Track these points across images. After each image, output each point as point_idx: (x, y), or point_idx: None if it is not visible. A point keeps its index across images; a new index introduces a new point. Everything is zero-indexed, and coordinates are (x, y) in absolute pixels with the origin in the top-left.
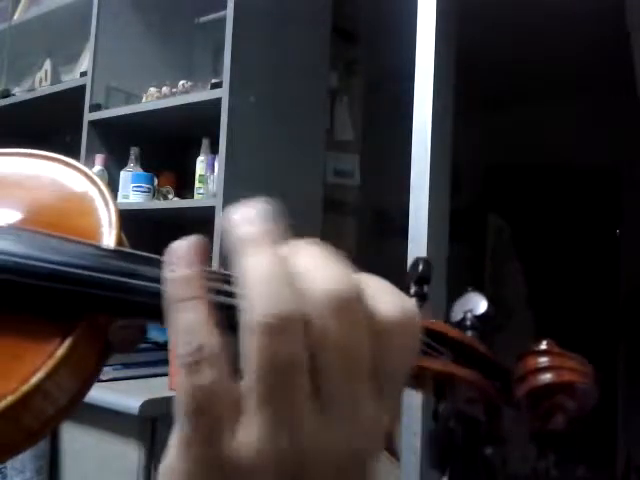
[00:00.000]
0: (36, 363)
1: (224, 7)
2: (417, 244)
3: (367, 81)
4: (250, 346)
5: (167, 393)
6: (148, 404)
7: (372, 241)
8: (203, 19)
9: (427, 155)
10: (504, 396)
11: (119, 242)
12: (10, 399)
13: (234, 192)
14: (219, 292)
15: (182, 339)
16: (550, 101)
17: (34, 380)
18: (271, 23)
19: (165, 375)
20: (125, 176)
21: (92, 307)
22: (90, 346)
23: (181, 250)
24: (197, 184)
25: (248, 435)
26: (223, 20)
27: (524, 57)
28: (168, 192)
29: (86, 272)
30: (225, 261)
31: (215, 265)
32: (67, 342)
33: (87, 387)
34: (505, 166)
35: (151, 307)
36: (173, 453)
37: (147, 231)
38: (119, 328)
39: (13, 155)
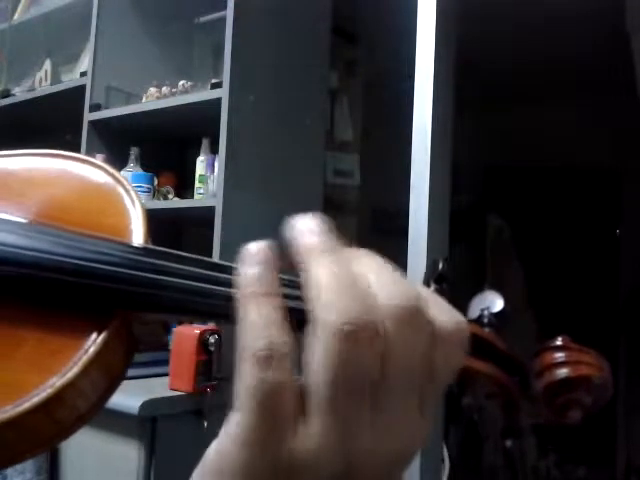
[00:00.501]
0: (72, 358)
1: (224, 7)
2: (417, 244)
3: (367, 81)
4: (324, 351)
5: (167, 393)
6: (148, 404)
7: (372, 241)
8: (203, 19)
9: (427, 155)
10: (522, 391)
11: (147, 236)
12: (47, 393)
13: (234, 192)
14: (285, 296)
15: (255, 334)
16: (550, 101)
17: (70, 375)
18: (271, 23)
19: (165, 375)
20: (125, 176)
21: (125, 304)
22: (120, 343)
23: (258, 249)
24: (197, 184)
25: (307, 434)
26: (223, 20)
27: (524, 57)
28: (168, 192)
29: (119, 269)
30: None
31: None
32: (101, 338)
33: (115, 385)
34: (505, 166)
35: (183, 304)
36: (228, 442)
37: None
38: (146, 326)
39: (41, 155)
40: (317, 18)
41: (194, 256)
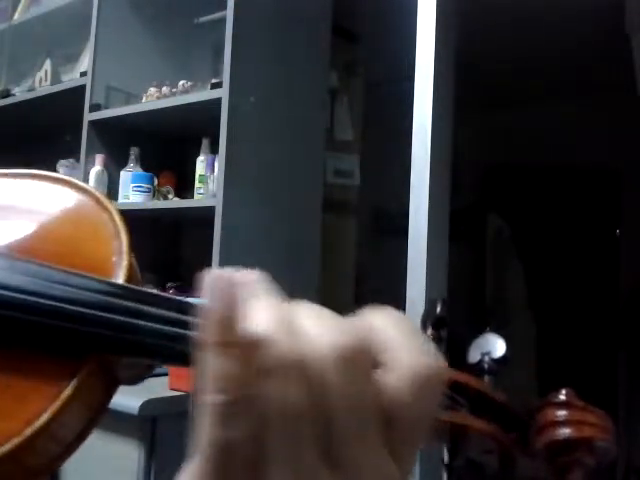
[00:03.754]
0: (41, 404)
1: (224, 7)
2: (417, 244)
3: (367, 81)
4: (266, 400)
5: (167, 393)
6: (148, 404)
7: (372, 241)
8: (203, 19)
9: (427, 155)
10: (521, 447)
11: (130, 270)
12: (14, 442)
13: (234, 192)
14: None
15: (215, 386)
16: (550, 101)
17: (39, 422)
18: (271, 23)
19: (165, 375)
20: (125, 176)
21: (98, 347)
22: (97, 384)
23: (221, 281)
24: (197, 184)
25: None
26: (223, 20)
27: (524, 57)
28: (168, 192)
29: (92, 311)
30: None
31: (215, 267)
32: (73, 383)
33: (94, 423)
34: (505, 166)
35: (159, 348)
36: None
37: (147, 231)
38: (126, 365)
39: (21, 177)
40: (317, 18)
41: (166, 295)
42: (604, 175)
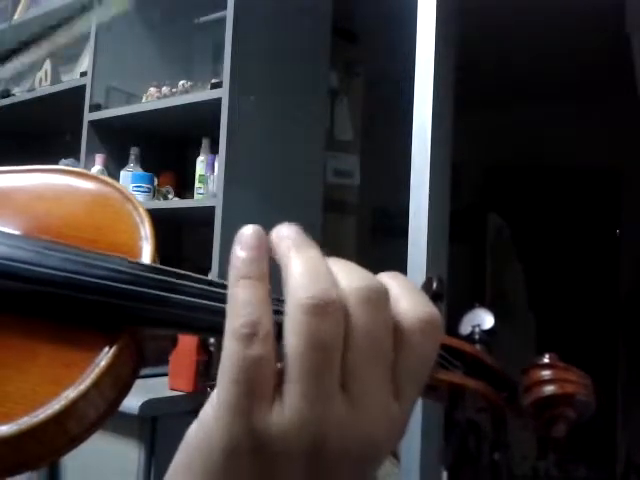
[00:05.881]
0: (84, 371)
1: (224, 7)
2: (417, 244)
3: (367, 81)
4: (293, 325)
5: (167, 393)
6: (148, 404)
7: (372, 241)
8: (203, 19)
9: (427, 155)
10: (510, 406)
11: (155, 253)
12: (61, 405)
13: (234, 192)
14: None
15: (241, 311)
16: (550, 101)
17: (83, 387)
18: (271, 23)
19: (165, 375)
20: (125, 176)
21: (134, 320)
22: (130, 356)
23: (252, 233)
24: (197, 184)
25: (282, 406)
26: (223, 20)
27: (524, 57)
28: (168, 192)
29: (129, 286)
30: (225, 262)
31: (215, 266)
32: (111, 352)
33: (123, 395)
34: (505, 166)
35: (188, 320)
36: (209, 412)
37: None
38: (155, 338)
39: (50, 172)
40: (317, 18)
41: (193, 274)
42: (604, 175)
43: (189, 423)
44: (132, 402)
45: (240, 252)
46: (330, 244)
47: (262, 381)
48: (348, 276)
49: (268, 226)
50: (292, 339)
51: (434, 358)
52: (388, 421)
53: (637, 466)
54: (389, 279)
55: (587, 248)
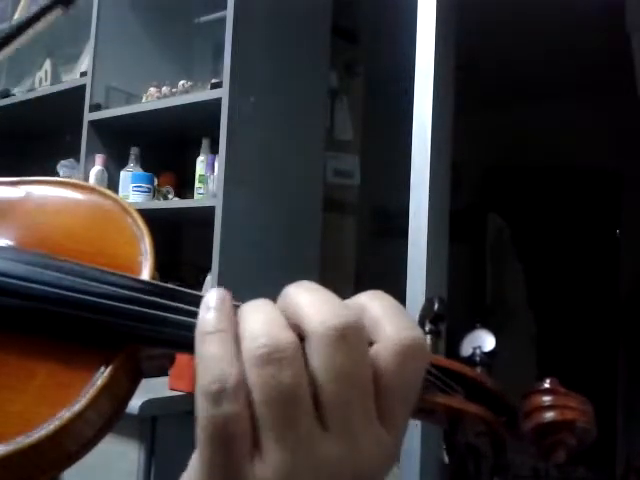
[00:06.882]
0: (79, 391)
1: (224, 7)
2: (417, 244)
3: (367, 81)
4: (250, 377)
5: (167, 393)
6: (148, 404)
7: (372, 241)
8: (203, 19)
9: (427, 155)
10: (510, 430)
11: (154, 269)
12: (55, 425)
13: (234, 192)
14: None
15: (208, 368)
16: (550, 101)
17: (77, 407)
18: (271, 23)
19: (165, 375)
20: (125, 176)
21: (132, 339)
22: (126, 374)
23: (213, 294)
24: (197, 184)
25: (264, 459)
26: (223, 20)
27: (524, 57)
28: (168, 192)
29: (127, 305)
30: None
31: (215, 266)
32: (107, 372)
33: (121, 412)
34: (505, 166)
35: (187, 339)
36: (192, 474)
37: None
38: (152, 357)
39: (49, 184)
40: (317, 18)
41: (191, 291)
42: (604, 176)
43: (189, 423)
44: (132, 402)
45: (203, 313)
46: (330, 244)
47: (236, 437)
48: (316, 315)
49: (268, 225)
50: (253, 391)
51: (420, 381)
52: (379, 449)
53: (637, 468)
54: (369, 300)
55: (587, 248)
